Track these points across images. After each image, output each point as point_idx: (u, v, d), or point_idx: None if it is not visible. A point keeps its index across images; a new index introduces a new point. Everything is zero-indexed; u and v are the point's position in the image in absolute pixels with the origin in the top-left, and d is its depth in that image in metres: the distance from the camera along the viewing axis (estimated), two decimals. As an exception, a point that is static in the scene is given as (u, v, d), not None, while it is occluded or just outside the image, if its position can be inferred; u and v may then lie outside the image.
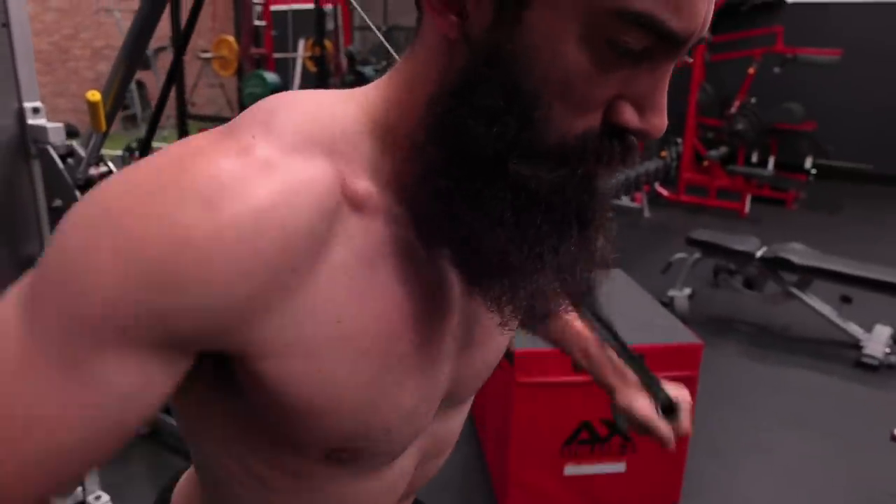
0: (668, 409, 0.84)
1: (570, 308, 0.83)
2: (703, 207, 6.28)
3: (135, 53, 1.46)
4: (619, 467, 2.04)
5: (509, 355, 1.92)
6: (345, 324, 0.47)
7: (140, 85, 8.80)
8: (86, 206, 0.42)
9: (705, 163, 6.43)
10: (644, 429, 0.84)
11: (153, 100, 8.02)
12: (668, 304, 3.54)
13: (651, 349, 1.92)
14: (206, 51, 7.98)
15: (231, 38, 7.48)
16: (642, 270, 4.21)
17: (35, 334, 0.41)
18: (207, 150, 0.43)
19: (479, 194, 0.45)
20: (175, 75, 1.59)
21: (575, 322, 0.88)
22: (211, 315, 0.42)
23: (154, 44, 6.61)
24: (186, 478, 0.73)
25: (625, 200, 6.07)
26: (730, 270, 3.91)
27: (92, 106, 1.39)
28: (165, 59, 6.98)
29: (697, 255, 3.71)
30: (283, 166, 0.44)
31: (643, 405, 0.84)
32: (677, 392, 0.85)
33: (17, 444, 0.41)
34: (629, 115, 0.45)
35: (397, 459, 0.60)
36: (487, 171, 0.45)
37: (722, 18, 6.15)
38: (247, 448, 0.55)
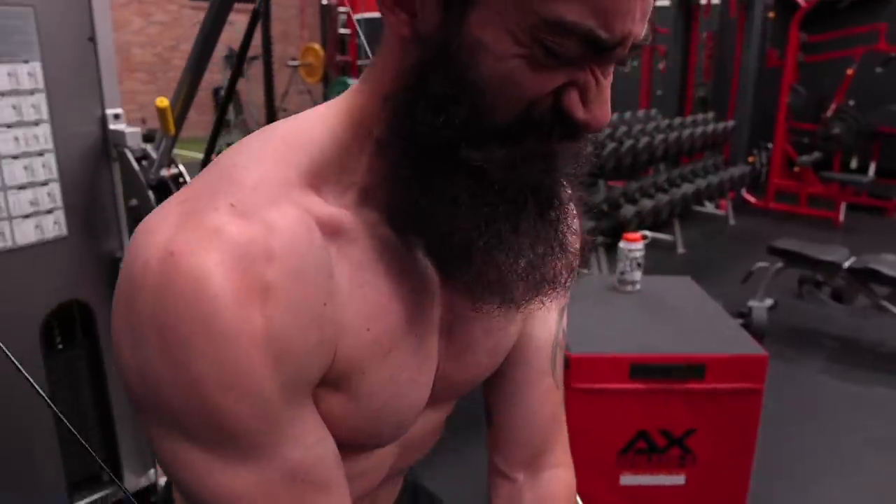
0: None
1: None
2: (794, 215, 5.99)
3: (200, 62, 1.56)
4: (677, 480, 1.98)
5: (565, 360, 1.90)
6: (372, 330, 0.52)
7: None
8: (141, 370, 0.47)
9: (796, 168, 6.13)
10: None
11: (245, 106, 8.42)
12: (747, 315, 3.40)
13: (712, 359, 1.86)
14: (294, 59, 8.30)
15: (317, 46, 7.75)
16: (722, 279, 4.07)
17: (232, 472, 0.48)
18: (185, 248, 0.45)
19: (435, 180, 0.48)
20: (232, 88, 1.68)
21: None
22: (310, 364, 0.50)
23: (249, 53, 6.95)
24: None
25: (709, 207, 5.88)
26: (816, 282, 3.72)
27: (161, 111, 1.49)
28: (258, 68, 7.31)
29: (780, 264, 3.55)
30: (266, 232, 0.47)
31: None
32: None
33: None
34: (574, 105, 0.47)
35: (376, 451, 0.63)
36: (441, 158, 0.48)
37: (817, 17, 5.85)
38: None
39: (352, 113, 0.53)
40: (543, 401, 0.74)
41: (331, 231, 0.51)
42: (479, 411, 0.79)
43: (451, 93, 0.47)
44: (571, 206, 0.56)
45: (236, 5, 1.66)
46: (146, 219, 0.49)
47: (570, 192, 0.55)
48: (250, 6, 1.88)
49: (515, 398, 0.73)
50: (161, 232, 0.47)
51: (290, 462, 0.49)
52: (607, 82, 0.48)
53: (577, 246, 0.58)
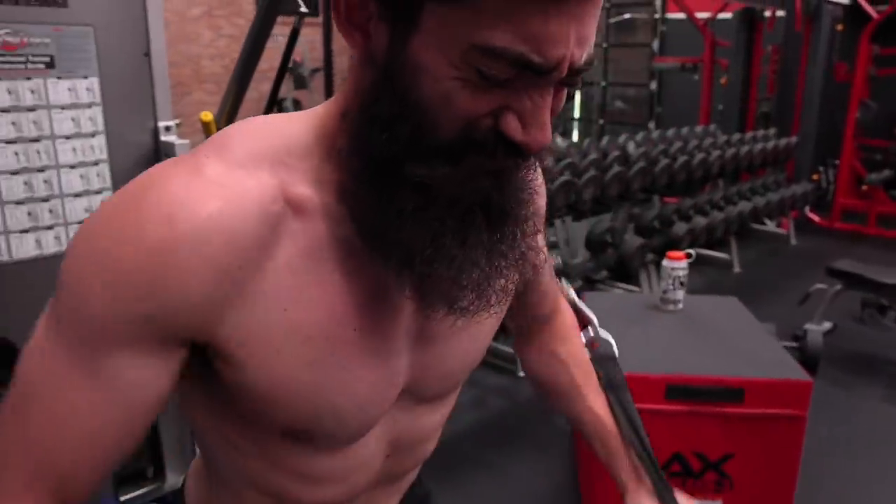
0: None
1: (594, 392, 0.87)
2: (861, 235, 5.75)
3: (245, 76, 1.62)
4: (714, 506, 1.93)
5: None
6: (290, 312, 0.54)
7: (296, 102, 9.50)
8: (76, 238, 0.52)
9: (865, 187, 5.88)
10: None
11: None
12: (801, 338, 3.27)
13: (752, 383, 1.81)
14: (355, 71, 8.46)
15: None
16: (779, 300, 3.94)
17: (59, 351, 0.52)
18: (166, 173, 0.52)
19: (384, 194, 0.51)
20: (272, 95, 1.73)
21: (596, 407, 0.86)
22: (186, 313, 0.51)
23: (311, 65, 7.13)
24: (198, 455, 0.82)
25: (770, 225, 5.70)
26: (880, 306, 3.56)
27: (205, 125, 1.55)
28: (320, 80, 7.49)
29: (838, 286, 3.41)
30: (229, 181, 0.51)
31: None
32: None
33: (45, 433, 0.52)
34: (513, 127, 0.49)
35: (358, 444, 0.65)
36: (389, 173, 0.51)
37: (889, 29, 5.62)
38: (222, 421, 0.62)
39: (324, 122, 0.57)
40: (549, 283, 0.86)
41: (295, 209, 0.54)
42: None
43: (397, 111, 0.49)
44: (532, 218, 0.58)
45: (306, 19, 1.71)
46: None
47: (530, 205, 0.57)
48: (318, 20, 1.93)
49: (528, 291, 0.81)
50: (154, 168, 0.54)
51: (108, 384, 0.51)
52: (545, 105, 0.49)
53: (535, 258, 0.60)
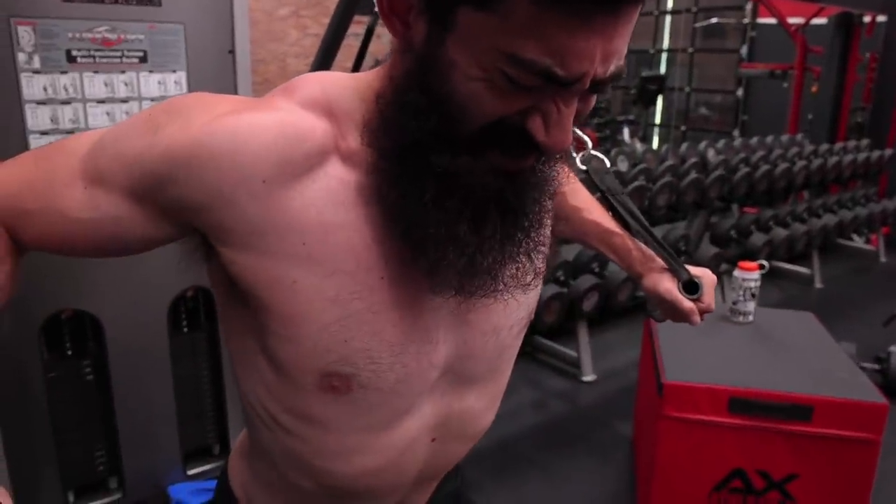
0: (692, 287, 0.88)
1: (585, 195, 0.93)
2: (958, 256, 5.38)
3: (322, 70, 1.68)
4: (776, 526, 1.86)
5: (658, 386, 1.86)
6: (308, 246, 0.58)
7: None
8: (164, 103, 0.60)
9: (967, 205, 5.50)
10: (670, 307, 0.88)
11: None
12: (884, 360, 3.11)
13: (822, 401, 1.74)
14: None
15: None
16: (862, 320, 3.75)
17: (85, 155, 0.60)
18: (241, 107, 0.57)
19: (406, 177, 0.55)
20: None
21: (595, 216, 0.92)
22: (188, 192, 0.56)
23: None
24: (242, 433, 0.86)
25: (858, 241, 5.41)
26: (977, 331, 3.33)
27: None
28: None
29: (929, 308, 3.22)
30: (290, 112, 0.57)
31: (668, 286, 0.88)
32: (701, 272, 0.89)
33: (35, 186, 0.61)
34: (536, 127, 0.52)
35: (403, 419, 0.66)
36: (414, 157, 0.54)
37: None
38: (262, 388, 0.66)
39: (373, 96, 0.60)
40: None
41: (344, 156, 0.58)
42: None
43: (427, 102, 0.53)
44: (545, 219, 0.62)
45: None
46: None
47: (544, 205, 0.60)
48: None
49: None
50: (229, 100, 0.59)
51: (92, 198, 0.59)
52: (570, 111, 0.52)
53: (544, 254, 0.65)
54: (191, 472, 1.96)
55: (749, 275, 2.16)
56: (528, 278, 0.61)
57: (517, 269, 0.59)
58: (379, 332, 0.61)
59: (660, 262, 0.89)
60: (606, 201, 0.88)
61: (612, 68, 0.50)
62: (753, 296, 2.18)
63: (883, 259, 5.25)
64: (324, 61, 1.70)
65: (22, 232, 0.61)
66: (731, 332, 2.16)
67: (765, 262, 2.27)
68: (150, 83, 1.68)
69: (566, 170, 0.75)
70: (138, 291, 1.73)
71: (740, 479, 1.85)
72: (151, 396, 1.82)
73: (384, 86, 0.58)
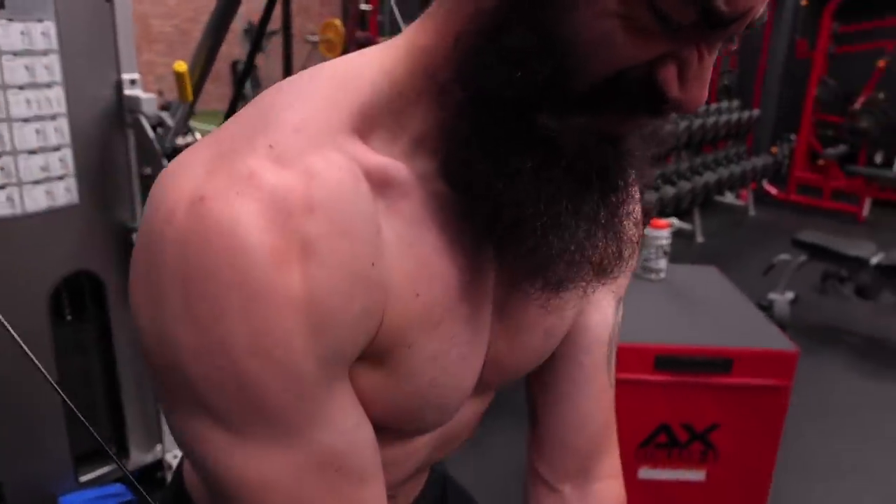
0: None
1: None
2: (816, 209, 5.88)
3: (219, 30, 1.49)
4: (698, 476, 1.92)
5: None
6: (422, 296, 0.46)
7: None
8: (166, 320, 0.41)
9: (821, 161, 6.00)
10: None
11: (264, 81, 8.34)
12: (768, 308, 3.32)
13: (740, 353, 1.80)
14: (314, 34, 8.19)
15: (338, 22, 7.63)
16: (741, 270, 3.98)
17: (263, 453, 0.43)
18: (214, 191, 0.40)
19: (499, 144, 0.42)
20: (251, 61, 1.61)
21: (613, 478, 0.74)
22: (351, 338, 0.43)
23: (268, 27, 6.87)
24: None
25: (729, 197, 5.77)
26: (840, 277, 3.63)
27: (179, 76, 1.43)
28: (277, 42, 7.23)
29: (803, 257, 3.46)
30: (307, 181, 0.41)
31: None
32: None
33: None
34: (670, 80, 0.41)
35: (412, 439, 0.57)
36: (510, 119, 0.42)
37: (849, 7, 5.69)
38: None
39: (412, 53, 0.46)
40: (597, 401, 0.68)
41: (380, 182, 0.45)
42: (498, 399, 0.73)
43: (536, 46, 0.40)
44: (634, 191, 0.50)
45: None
46: (172, 163, 0.44)
47: (635, 175, 0.49)
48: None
49: (567, 396, 0.67)
50: (189, 176, 0.41)
51: (324, 447, 0.44)
52: (711, 60, 0.42)
53: (635, 233, 0.53)
54: (84, 478, 1.76)
55: (660, 232, 2.19)
56: (618, 268, 0.49)
57: (610, 254, 0.48)
58: (461, 382, 0.52)
59: None
60: None
61: (763, 8, 0.40)
62: (665, 253, 2.21)
63: (752, 213, 5.64)
64: (222, 19, 1.51)
65: None
66: (646, 289, 2.18)
67: (674, 220, 2.31)
68: (11, 34, 1.42)
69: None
70: (10, 277, 1.49)
71: (665, 434, 1.88)
72: (32, 395, 1.59)
73: (462, 27, 0.43)
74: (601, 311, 0.66)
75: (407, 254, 0.45)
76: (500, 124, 0.42)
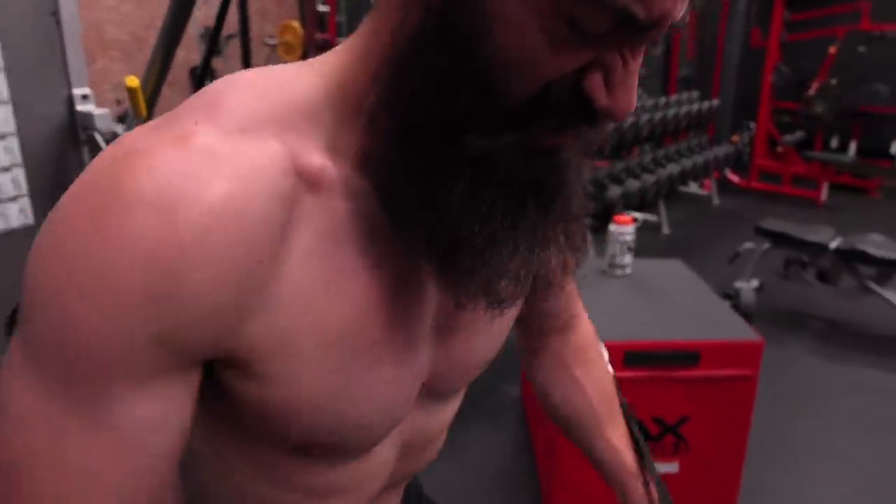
0: None
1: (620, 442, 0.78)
2: (777, 195, 6.00)
3: (172, 39, 1.46)
4: (671, 468, 1.95)
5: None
6: (315, 311, 0.45)
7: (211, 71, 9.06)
8: (42, 249, 0.39)
9: (780, 148, 6.13)
10: None
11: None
12: (734, 296, 3.38)
13: (707, 345, 1.82)
14: (272, 36, 8.10)
15: (296, 24, 7.56)
16: (708, 260, 4.05)
17: (47, 403, 0.39)
18: (144, 146, 0.39)
19: (430, 167, 0.42)
20: (206, 65, 1.58)
21: (615, 439, 0.77)
22: (202, 328, 0.40)
23: (225, 31, 6.77)
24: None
25: (693, 187, 5.86)
26: (802, 262, 3.71)
27: (131, 92, 1.39)
28: (235, 46, 7.12)
29: (767, 245, 3.53)
30: (230, 153, 0.40)
31: None
32: None
33: None
34: (597, 88, 0.41)
35: (372, 451, 0.57)
36: (439, 143, 0.41)
37: (802, -5, 5.82)
38: (218, 443, 0.53)
39: (338, 80, 0.46)
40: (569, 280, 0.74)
41: (311, 182, 0.44)
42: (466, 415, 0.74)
43: (459, 68, 0.40)
44: (578, 198, 0.50)
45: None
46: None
47: (576, 184, 0.49)
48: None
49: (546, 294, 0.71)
50: (125, 139, 0.41)
51: (121, 431, 0.40)
52: (636, 65, 0.41)
53: (579, 241, 0.54)
54: None
55: (625, 228, 2.21)
56: (558, 277, 0.50)
57: (552, 266, 0.49)
58: (374, 394, 0.50)
59: None
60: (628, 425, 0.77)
61: (683, 10, 0.40)
62: (630, 249, 2.23)
63: (716, 202, 5.73)
64: (174, 29, 1.48)
65: None
66: (613, 285, 2.20)
67: (637, 215, 2.33)
68: (-47, 53, 1.38)
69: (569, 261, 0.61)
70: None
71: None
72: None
73: (385, 51, 0.43)
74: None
75: (306, 268, 0.44)
76: (429, 151, 0.42)
